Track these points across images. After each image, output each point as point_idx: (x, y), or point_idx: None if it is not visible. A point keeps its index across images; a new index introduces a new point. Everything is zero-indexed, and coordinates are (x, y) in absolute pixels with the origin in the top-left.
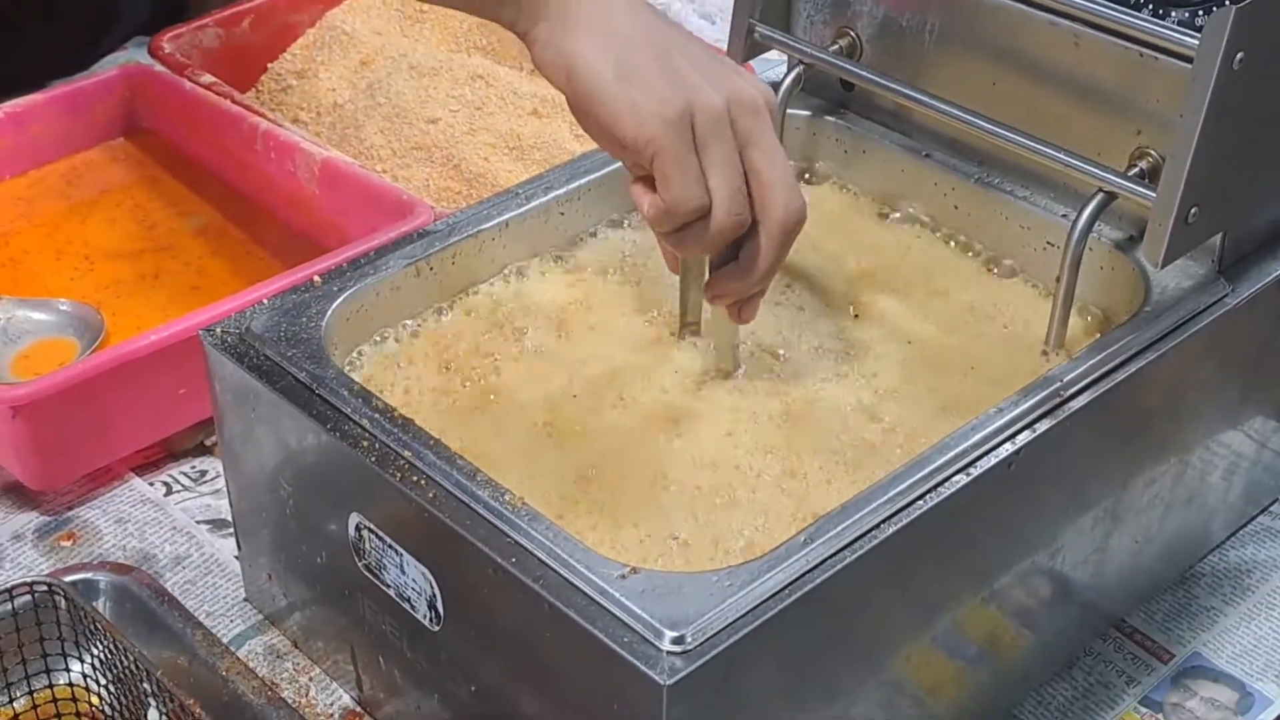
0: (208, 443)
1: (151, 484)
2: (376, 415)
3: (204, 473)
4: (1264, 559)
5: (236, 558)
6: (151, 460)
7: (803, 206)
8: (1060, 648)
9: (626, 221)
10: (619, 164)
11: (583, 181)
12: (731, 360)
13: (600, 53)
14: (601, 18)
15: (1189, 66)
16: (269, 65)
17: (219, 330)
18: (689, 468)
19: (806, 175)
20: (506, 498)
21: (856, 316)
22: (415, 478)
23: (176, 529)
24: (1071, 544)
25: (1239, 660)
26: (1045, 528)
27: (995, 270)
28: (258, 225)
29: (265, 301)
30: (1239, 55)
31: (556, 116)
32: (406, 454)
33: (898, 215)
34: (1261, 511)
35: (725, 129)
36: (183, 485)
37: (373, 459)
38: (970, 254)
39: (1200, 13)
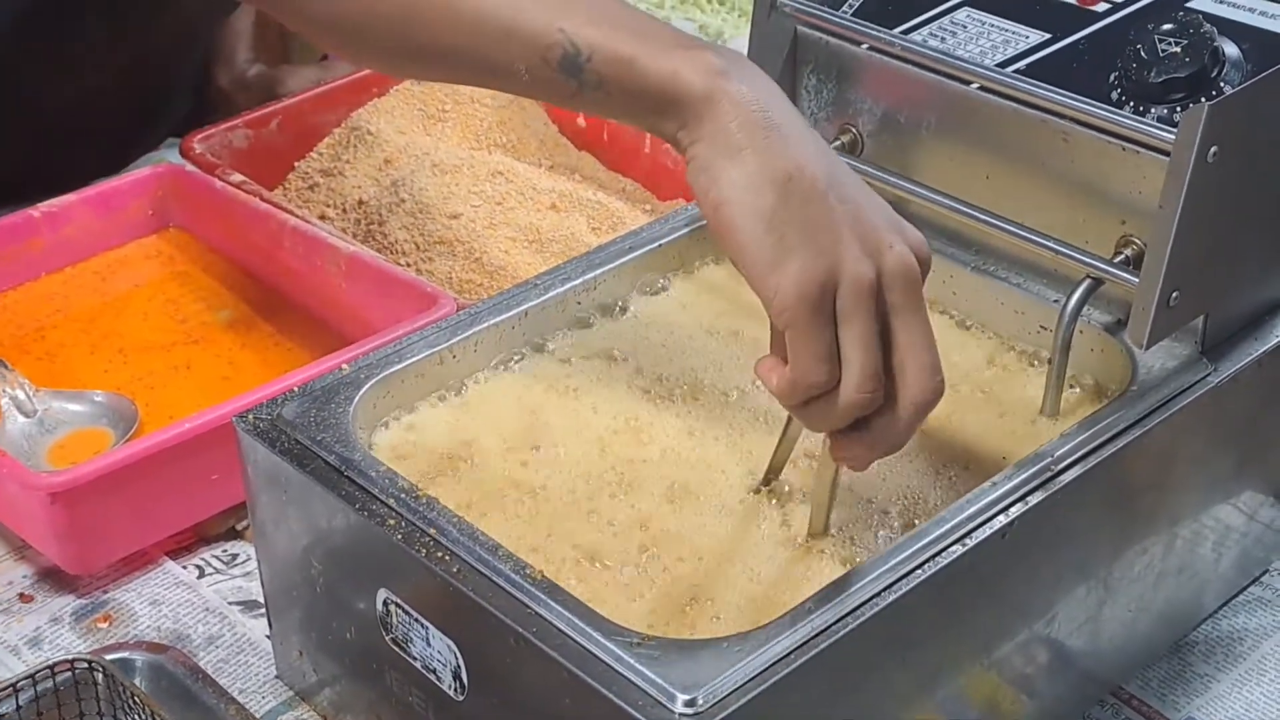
0: (239, 527)
1: (185, 567)
2: (402, 495)
3: (235, 556)
4: (1255, 627)
5: (268, 636)
6: (184, 544)
7: (941, 385)
8: (1059, 713)
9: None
10: (634, 254)
11: (598, 272)
12: (823, 522)
13: (752, 195)
14: (763, 151)
15: (1167, 160)
16: (296, 164)
17: (251, 417)
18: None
19: None
20: (527, 571)
21: None
22: (440, 553)
23: (209, 610)
24: (1066, 612)
25: None
26: (1040, 596)
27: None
28: (285, 318)
29: (295, 389)
30: (1213, 149)
31: (574, 210)
32: (431, 531)
33: None
34: (1252, 582)
35: (870, 303)
36: (215, 568)
37: (399, 536)
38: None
39: (1177, 109)
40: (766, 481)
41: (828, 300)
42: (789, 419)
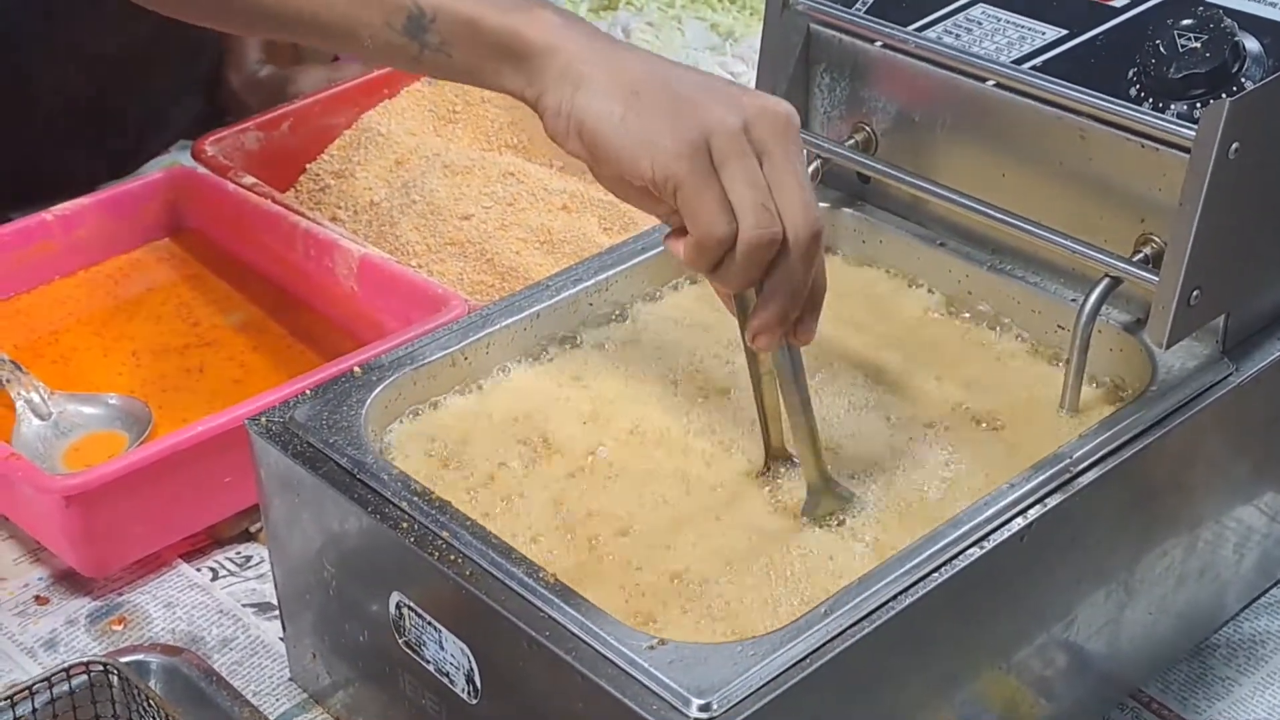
0: (252, 529)
1: (199, 569)
2: (415, 498)
3: (249, 558)
4: (1277, 630)
5: (281, 639)
6: (198, 547)
7: (818, 219)
8: (1079, 717)
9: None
10: (644, 256)
11: (611, 273)
12: (814, 469)
13: (604, 101)
14: (606, 70)
15: (1188, 156)
16: (307, 166)
17: (264, 419)
18: None
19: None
20: (540, 574)
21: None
22: (453, 557)
23: (223, 612)
24: (1086, 615)
25: None
26: (1059, 599)
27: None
28: (297, 320)
29: (307, 392)
30: (1234, 145)
31: (586, 211)
32: (444, 534)
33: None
34: (1275, 584)
35: (743, 144)
36: (229, 570)
37: (412, 540)
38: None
39: (1197, 106)
40: (770, 460)
41: (703, 154)
42: (756, 385)
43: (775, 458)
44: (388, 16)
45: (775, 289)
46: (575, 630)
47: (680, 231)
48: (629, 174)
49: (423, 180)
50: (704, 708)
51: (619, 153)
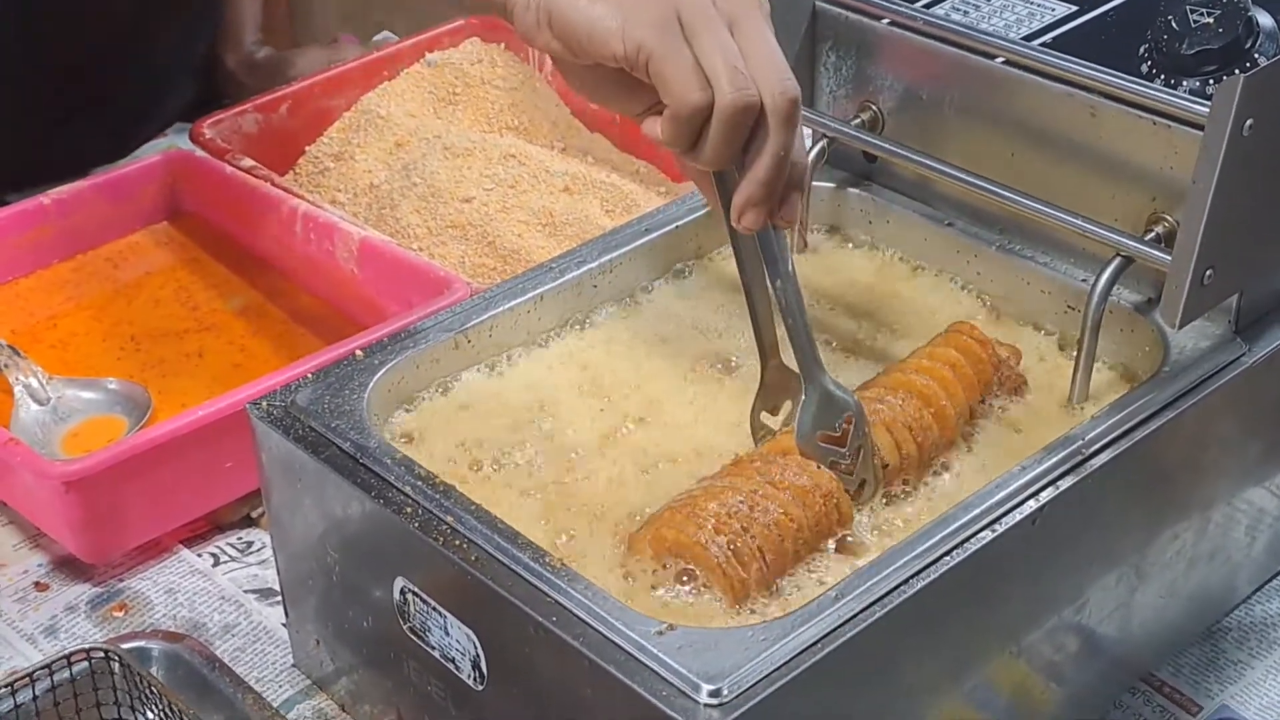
0: (254, 515)
1: (200, 555)
2: (419, 482)
3: (250, 544)
4: None
5: (284, 625)
6: (199, 533)
7: (795, 84)
8: (1090, 701)
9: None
10: (650, 237)
11: (615, 255)
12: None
13: None
14: None
15: (1200, 134)
16: (306, 148)
17: (265, 404)
18: None
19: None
20: (546, 559)
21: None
22: (458, 541)
23: (225, 598)
24: (1098, 598)
25: (1266, 712)
26: (1071, 582)
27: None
28: (297, 304)
29: (309, 375)
30: (1248, 122)
31: (588, 193)
32: (449, 519)
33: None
34: None
35: (712, 11)
36: (230, 556)
37: (416, 525)
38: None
39: (1210, 82)
40: (766, 357)
41: (674, 23)
42: (747, 285)
43: (771, 362)
44: None
45: (757, 159)
46: (583, 615)
47: (656, 114)
48: (599, 53)
49: (423, 163)
50: (714, 693)
51: (589, 32)
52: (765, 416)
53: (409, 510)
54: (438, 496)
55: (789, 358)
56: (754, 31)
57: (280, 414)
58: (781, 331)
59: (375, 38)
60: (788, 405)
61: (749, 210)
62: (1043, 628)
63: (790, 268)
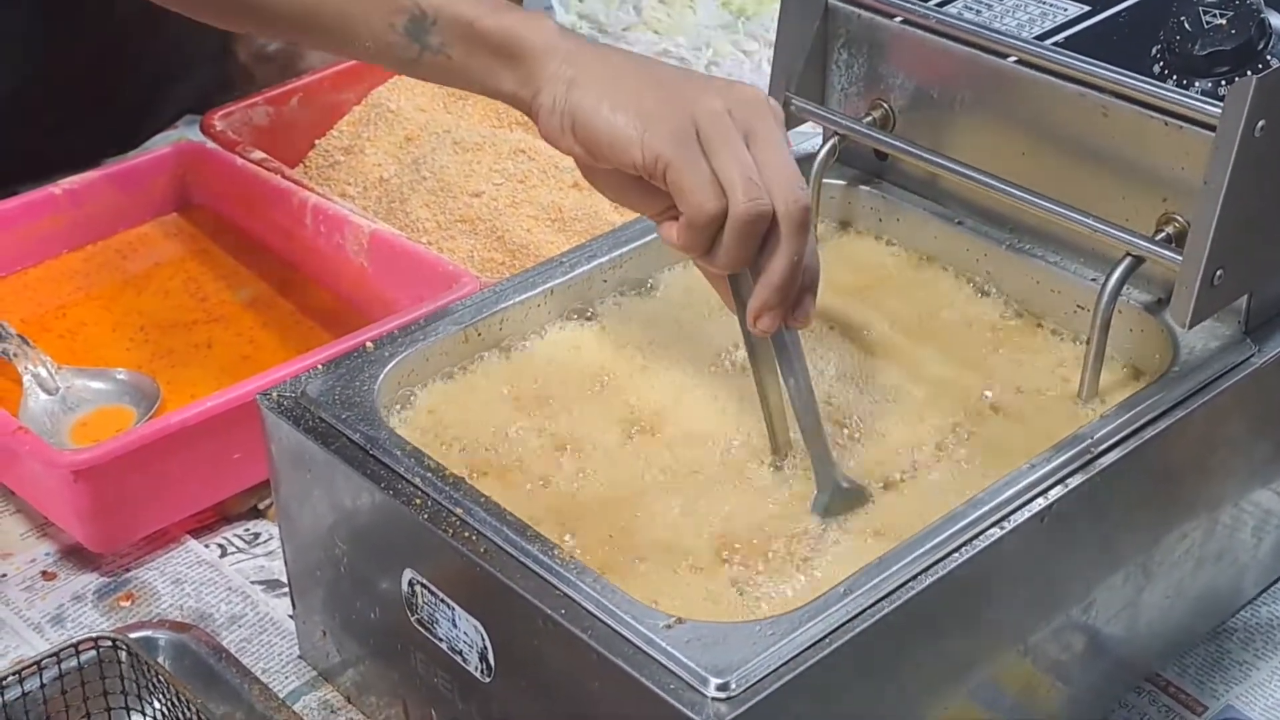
0: (261, 506)
1: (207, 546)
2: (429, 474)
3: (257, 535)
4: None
5: (291, 616)
6: (206, 523)
7: (807, 193)
8: (1095, 701)
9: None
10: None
11: (625, 250)
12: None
13: (595, 97)
14: (598, 67)
15: (1212, 135)
16: (316, 141)
17: (275, 394)
18: None
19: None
20: (555, 552)
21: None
22: (467, 534)
23: (232, 589)
24: (1104, 598)
25: (1272, 713)
26: (1078, 581)
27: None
28: (306, 297)
29: (320, 367)
30: (1260, 123)
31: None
32: (458, 511)
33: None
34: None
35: (729, 124)
36: (237, 547)
37: (425, 516)
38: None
39: (1223, 83)
40: (779, 454)
41: (691, 135)
42: (760, 383)
43: (782, 454)
44: (390, 18)
45: (771, 265)
46: (591, 608)
47: (672, 218)
48: (620, 162)
49: (433, 157)
50: (722, 687)
51: (611, 141)
52: None
53: (418, 502)
54: (447, 488)
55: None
56: (768, 142)
57: (290, 405)
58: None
59: None
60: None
61: (765, 314)
62: (1049, 626)
63: (803, 366)
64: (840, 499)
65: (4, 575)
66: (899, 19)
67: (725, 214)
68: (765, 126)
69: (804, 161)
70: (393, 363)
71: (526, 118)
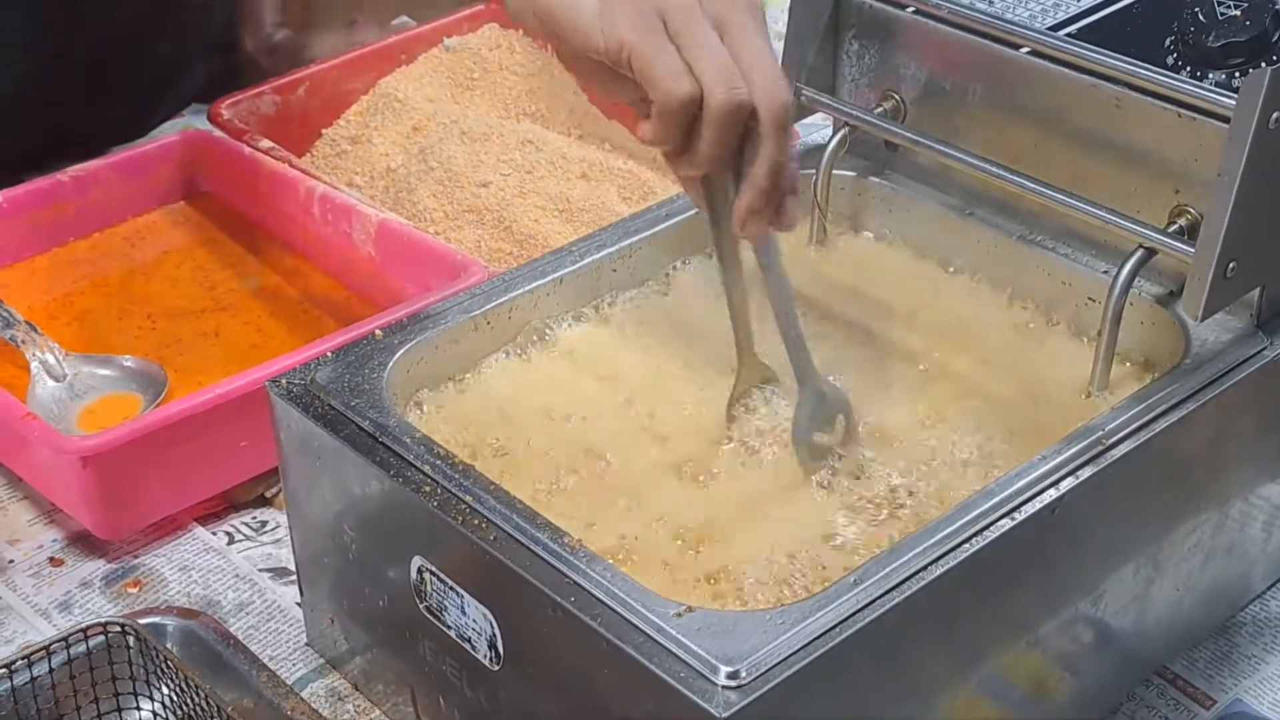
0: (268, 494)
1: (214, 533)
2: (438, 462)
3: (264, 523)
4: None
5: (298, 603)
6: (214, 511)
7: (787, 87)
8: (1104, 694)
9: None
10: (670, 222)
11: (634, 240)
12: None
13: None
14: None
15: (1226, 126)
16: (323, 131)
17: (285, 381)
18: None
19: (853, 230)
20: (565, 540)
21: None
22: (477, 521)
23: (239, 576)
24: (1114, 591)
25: None
26: (1088, 574)
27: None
28: (313, 285)
29: (329, 354)
30: (1275, 115)
31: (605, 180)
32: (468, 499)
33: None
34: None
35: (697, 14)
36: (244, 535)
37: (435, 504)
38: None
39: (1237, 75)
40: (743, 358)
41: (655, 20)
42: (730, 287)
43: (746, 356)
44: None
45: (755, 166)
46: (601, 596)
47: (647, 115)
48: (582, 48)
49: (440, 147)
50: (732, 675)
51: (572, 26)
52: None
53: (428, 489)
54: (457, 476)
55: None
56: (743, 32)
57: (300, 392)
58: (761, 327)
59: (393, 22)
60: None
61: (750, 218)
62: (1059, 618)
63: (782, 270)
64: (822, 408)
65: (11, 561)
66: (910, 9)
67: (697, 101)
68: (738, 16)
69: (814, 152)
70: (402, 351)
71: (534, 108)
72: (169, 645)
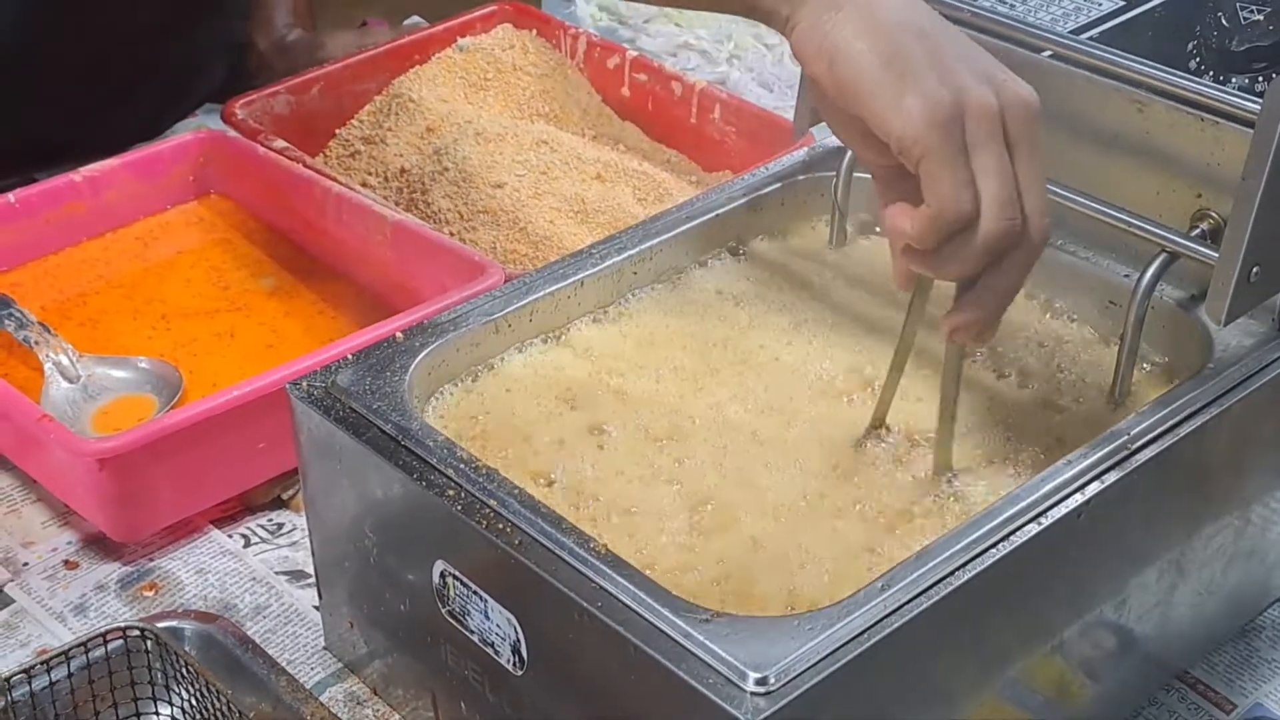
0: (285, 496)
1: (230, 536)
2: (461, 465)
3: (281, 525)
4: None
5: (316, 607)
6: (230, 513)
7: (1049, 219)
8: (1125, 698)
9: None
10: (690, 225)
11: (654, 242)
12: (947, 456)
13: (866, 40)
14: (867, 3)
15: (1250, 131)
16: (337, 131)
17: (305, 384)
18: None
19: (877, 230)
20: (591, 544)
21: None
22: (501, 525)
23: (256, 579)
24: (1137, 595)
25: None
26: (1112, 579)
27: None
28: (328, 286)
29: (349, 357)
30: None
31: (620, 181)
32: (492, 503)
33: None
34: None
35: (998, 129)
36: (261, 537)
37: (458, 508)
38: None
39: (1260, 79)
40: (875, 425)
41: (957, 125)
42: (895, 354)
43: (877, 427)
44: None
45: (996, 286)
46: (628, 602)
47: (903, 204)
48: (873, 125)
49: (454, 148)
50: (761, 681)
51: (869, 102)
52: None
53: (451, 493)
54: (480, 479)
55: None
56: (1030, 161)
57: (320, 394)
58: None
59: (406, 22)
60: None
61: (966, 332)
62: (1083, 623)
63: (960, 375)
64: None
65: (26, 564)
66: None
67: (971, 219)
68: (1030, 140)
69: (833, 156)
70: (423, 353)
71: (548, 109)
72: (187, 649)
